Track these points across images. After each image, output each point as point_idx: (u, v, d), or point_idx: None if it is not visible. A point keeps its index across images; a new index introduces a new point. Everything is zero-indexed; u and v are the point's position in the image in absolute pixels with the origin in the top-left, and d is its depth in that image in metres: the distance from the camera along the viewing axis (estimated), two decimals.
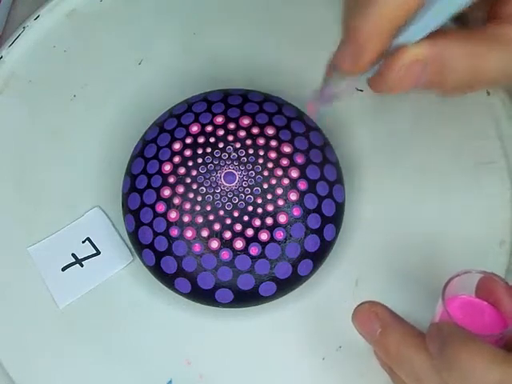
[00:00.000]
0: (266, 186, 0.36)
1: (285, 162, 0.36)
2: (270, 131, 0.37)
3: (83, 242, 0.40)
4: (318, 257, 0.37)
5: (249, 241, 0.35)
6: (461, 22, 0.32)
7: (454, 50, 0.28)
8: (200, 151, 0.36)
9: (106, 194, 0.41)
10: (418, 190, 0.39)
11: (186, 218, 0.36)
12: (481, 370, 0.27)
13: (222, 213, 0.35)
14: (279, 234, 0.35)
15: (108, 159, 0.41)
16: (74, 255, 0.40)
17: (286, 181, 0.36)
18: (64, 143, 0.42)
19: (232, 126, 0.37)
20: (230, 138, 0.36)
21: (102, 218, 0.40)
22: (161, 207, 0.36)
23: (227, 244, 0.35)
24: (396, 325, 0.32)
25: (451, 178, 0.40)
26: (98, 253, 0.40)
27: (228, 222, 0.35)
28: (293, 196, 0.36)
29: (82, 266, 0.40)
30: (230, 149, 0.36)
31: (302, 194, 0.36)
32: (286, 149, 0.36)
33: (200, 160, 0.36)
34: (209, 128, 0.37)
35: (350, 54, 0.29)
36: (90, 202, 0.41)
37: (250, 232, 0.35)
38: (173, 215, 0.36)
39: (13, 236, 0.40)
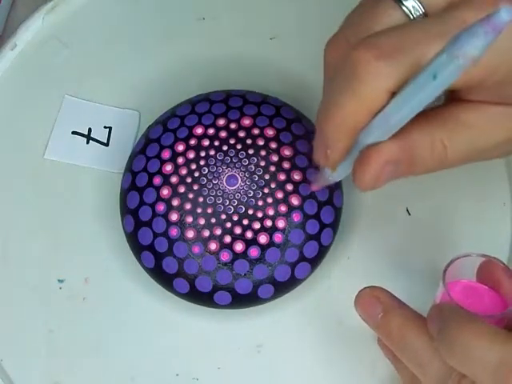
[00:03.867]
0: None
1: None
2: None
3: (105, 127, 0.42)
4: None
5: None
6: None
7: (422, 142, 0.29)
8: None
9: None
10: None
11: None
12: (481, 349, 0.27)
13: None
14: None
15: None
16: (89, 130, 0.42)
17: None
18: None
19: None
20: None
21: (134, 124, 0.42)
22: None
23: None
24: (397, 309, 0.32)
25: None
26: (107, 144, 0.42)
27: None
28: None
29: (88, 143, 0.41)
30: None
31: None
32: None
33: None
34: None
35: (321, 149, 0.30)
36: (138, 104, 0.42)
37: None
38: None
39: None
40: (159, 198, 0.36)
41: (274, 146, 0.37)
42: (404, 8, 0.29)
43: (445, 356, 0.28)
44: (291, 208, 0.36)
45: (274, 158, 0.37)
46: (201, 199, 0.36)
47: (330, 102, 0.29)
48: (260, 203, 0.36)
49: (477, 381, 0.28)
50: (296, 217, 0.36)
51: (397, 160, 0.29)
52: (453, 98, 0.29)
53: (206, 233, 0.36)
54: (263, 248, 0.36)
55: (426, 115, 0.28)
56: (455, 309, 0.29)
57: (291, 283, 0.37)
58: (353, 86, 0.28)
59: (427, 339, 0.30)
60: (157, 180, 0.37)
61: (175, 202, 0.36)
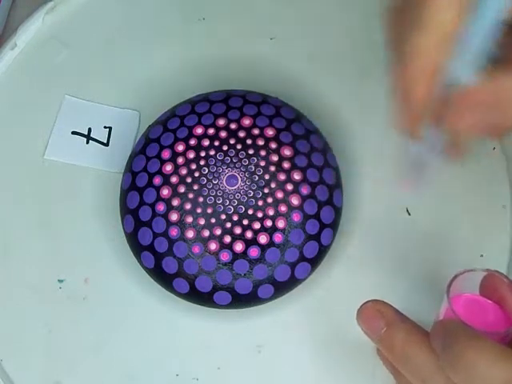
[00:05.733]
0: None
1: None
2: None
3: (105, 127, 0.42)
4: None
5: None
6: None
7: (508, 84, 0.27)
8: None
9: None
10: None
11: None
12: (487, 367, 0.27)
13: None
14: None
15: None
16: (89, 130, 0.42)
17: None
18: None
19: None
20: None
21: (134, 124, 0.42)
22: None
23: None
24: (400, 323, 0.31)
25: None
26: (107, 145, 0.42)
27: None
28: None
29: (87, 142, 0.41)
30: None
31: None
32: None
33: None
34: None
35: (403, 110, 0.28)
36: (138, 104, 0.42)
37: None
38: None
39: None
40: (159, 198, 0.36)
41: (273, 146, 0.37)
42: None
43: (449, 373, 0.28)
44: (291, 208, 0.36)
45: (274, 158, 0.37)
46: (201, 199, 0.36)
47: (402, 47, 0.27)
48: (260, 203, 0.36)
49: None
50: (296, 217, 0.36)
51: (486, 102, 0.27)
52: None
53: (206, 233, 0.36)
54: (263, 248, 0.36)
55: (508, 60, 0.27)
56: (459, 325, 0.29)
57: (291, 283, 0.37)
58: (422, 16, 0.26)
59: (430, 354, 0.30)
60: (157, 180, 0.37)
61: (175, 202, 0.36)
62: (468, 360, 0.27)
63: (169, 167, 0.37)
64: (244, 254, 0.36)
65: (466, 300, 0.32)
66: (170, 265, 0.36)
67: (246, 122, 0.37)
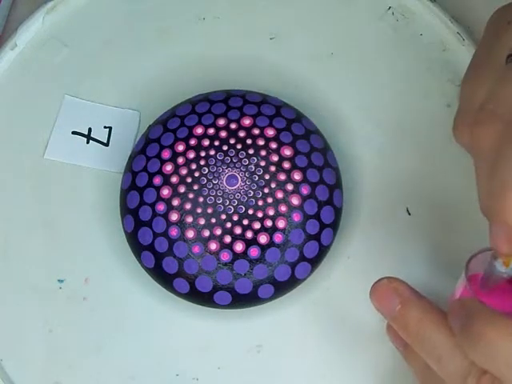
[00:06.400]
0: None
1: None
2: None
3: (105, 127, 0.42)
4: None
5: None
6: None
7: None
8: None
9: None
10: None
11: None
12: (508, 346, 0.26)
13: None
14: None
15: None
16: (89, 130, 0.42)
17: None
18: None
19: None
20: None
21: (134, 124, 0.42)
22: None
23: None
24: (416, 301, 0.31)
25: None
26: (107, 144, 0.42)
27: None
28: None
29: (88, 142, 0.41)
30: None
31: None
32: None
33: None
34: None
35: (504, 236, 0.28)
36: (138, 104, 0.42)
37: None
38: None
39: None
40: (159, 198, 0.36)
41: (274, 145, 0.37)
42: None
43: (468, 352, 0.28)
44: (291, 208, 0.36)
45: (274, 158, 0.37)
46: (201, 199, 0.36)
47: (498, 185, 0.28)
48: (260, 203, 0.36)
49: (502, 378, 0.27)
50: (296, 217, 0.36)
51: None
52: None
53: (206, 233, 0.36)
54: (263, 248, 0.36)
55: None
56: (479, 305, 0.28)
57: (291, 283, 0.37)
58: None
59: (447, 333, 0.29)
60: (157, 180, 0.37)
61: (175, 202, 0.36)
62: (488, 339, 0.27)
63: (169, 167, 0.37)
64: (244, 253, 0.36)
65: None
66: (170, 265, 0.36)
67: (246, 121, 0.37)
